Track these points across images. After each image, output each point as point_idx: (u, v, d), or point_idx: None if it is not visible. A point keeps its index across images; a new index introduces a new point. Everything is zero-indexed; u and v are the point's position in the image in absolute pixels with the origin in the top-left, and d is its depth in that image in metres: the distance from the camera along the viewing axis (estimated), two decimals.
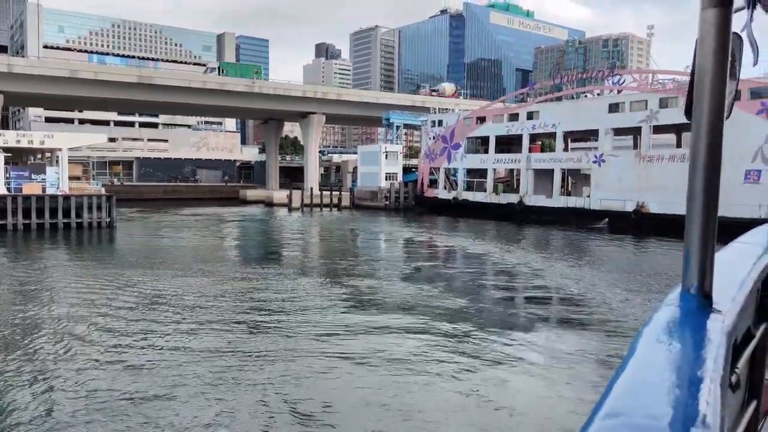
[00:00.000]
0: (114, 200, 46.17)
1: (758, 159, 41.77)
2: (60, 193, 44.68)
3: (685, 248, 1.44)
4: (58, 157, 47.57)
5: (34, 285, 24.63)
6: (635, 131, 52.28)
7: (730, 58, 1.38)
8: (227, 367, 13.97)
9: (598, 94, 57.66)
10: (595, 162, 52.97)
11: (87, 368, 13.86)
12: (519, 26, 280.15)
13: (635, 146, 53.91)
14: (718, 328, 1.31)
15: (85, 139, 57.15)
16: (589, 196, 53.43)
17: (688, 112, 1.51)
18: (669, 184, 46.63)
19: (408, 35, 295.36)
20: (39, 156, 57.31)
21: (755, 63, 1.56)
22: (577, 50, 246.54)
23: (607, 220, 50.37)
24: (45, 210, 43.50)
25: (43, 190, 44.68)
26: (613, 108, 52.15)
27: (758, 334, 1.79)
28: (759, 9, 1.53)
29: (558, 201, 55.76)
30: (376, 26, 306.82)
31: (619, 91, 54.10)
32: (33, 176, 44.94)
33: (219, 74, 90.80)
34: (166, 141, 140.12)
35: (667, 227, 43.85)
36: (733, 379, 1.32)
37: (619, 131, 53.47)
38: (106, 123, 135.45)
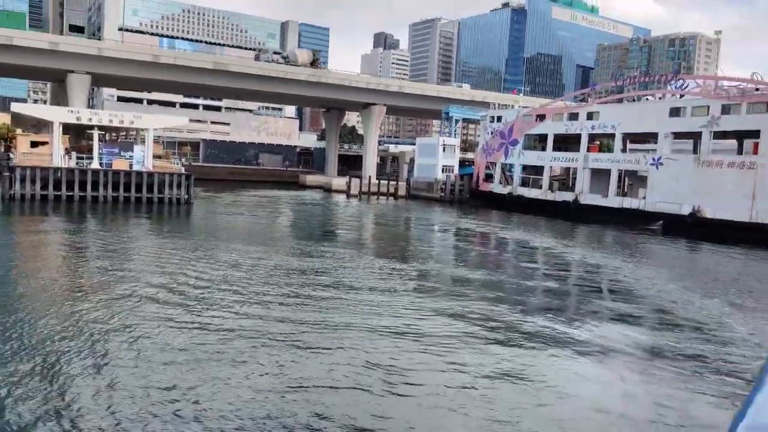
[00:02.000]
0: (192, 179, 49.85)
1: None
2: (145, 170, 48.59)
3: None
4: (143, 136, 51.48)
5: (126, 249, 28.01)
6: (695, 136, 52.63)
7: None
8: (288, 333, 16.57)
9: (660, 98, 58.01)
10: (652, 164, 53.59)
11: (165, 324, 16.70)
12: (582, 22, 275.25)
13: (695, 151, 54.23)
14: None
15: (170, 121, 60.75)
16: (644, 198, 54.15)
17: None
18: (727, 190, 47.13)
19: (468, 27, 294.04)
20: (123, 134, 61.72)
21: None
22: (641, 49, 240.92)
23: (661, 222, 51.07)
24: (131, 185, 47.56)
25: (130, 166, 48.67)
26: (674, 112, 52.62)
27: None
28: None
29: (613, 201, 56.60)
30: (438, 18, 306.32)
31: (681, 96, 54.41)
32: (122, 153, 49.01)
33: None
34: (228, 124, 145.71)
35: (723, 233, 44.52)
36: None
37: (679, 135, 53.91)
38: (172, 104, 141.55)
